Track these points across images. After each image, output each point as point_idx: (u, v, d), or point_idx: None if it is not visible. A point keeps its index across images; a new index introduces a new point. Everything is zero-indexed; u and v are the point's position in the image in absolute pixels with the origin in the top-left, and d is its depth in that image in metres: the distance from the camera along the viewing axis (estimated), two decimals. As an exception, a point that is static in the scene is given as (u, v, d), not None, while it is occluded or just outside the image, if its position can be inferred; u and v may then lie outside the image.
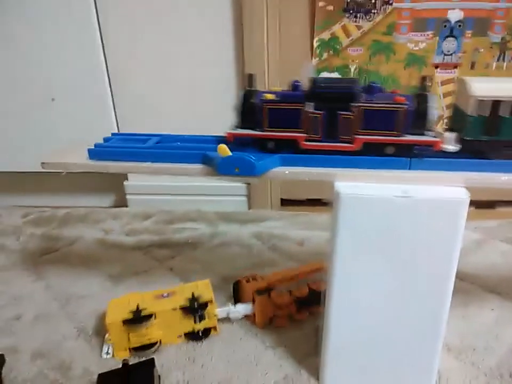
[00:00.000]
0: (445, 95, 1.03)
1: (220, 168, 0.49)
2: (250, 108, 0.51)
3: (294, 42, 1.02)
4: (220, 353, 0.63)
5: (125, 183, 1.18)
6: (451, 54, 1.00)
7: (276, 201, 1.16)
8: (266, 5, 0.95)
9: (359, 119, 0.48)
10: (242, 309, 0.67)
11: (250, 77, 0.53)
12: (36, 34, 1.03)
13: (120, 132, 1.06)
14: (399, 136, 0.48)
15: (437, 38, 0.98)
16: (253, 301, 0.67)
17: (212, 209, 1.13)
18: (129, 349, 0.63)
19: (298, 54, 1.02)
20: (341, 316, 0.51)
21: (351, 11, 0.98)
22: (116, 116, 1.10)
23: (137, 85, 1.07)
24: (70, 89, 1.08)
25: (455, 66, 1.01)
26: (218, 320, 0.66)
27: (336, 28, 1.00)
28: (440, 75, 1.02)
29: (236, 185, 1.14)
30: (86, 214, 1.12)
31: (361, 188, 0.46)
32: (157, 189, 1.17)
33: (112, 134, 0.63)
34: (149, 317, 0.62)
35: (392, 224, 0.46)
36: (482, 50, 0.99)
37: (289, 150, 0.50)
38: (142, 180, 1.16)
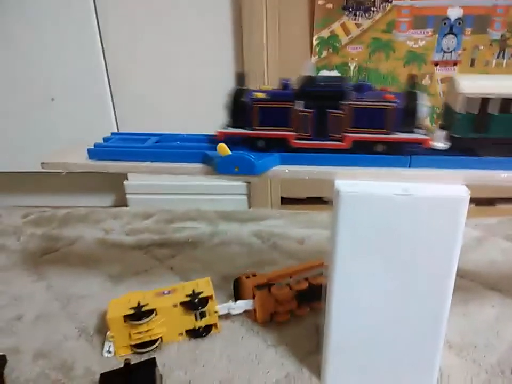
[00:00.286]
0: (445, 92, 1.03)
1: (219, 168, 0.49)
2: (241, 107, 0.51)
3: (293, 42, 1.02)
4: (222, 352, 0.63)
5: (125, 182, 1.18)
6: (451, 52, 1.00)
7: (276, 199, 1.16)
8: (266, 5, 0.95)
9: (348, 117, 0.48)
10: (242, 305, 0.68)
11: (240, 76, 0.53)
12: (35, 34, 1.03)
13: (120, 131, 1.06)
14: (388, 134, 0.48)
15: (437, 35, 0.98)
16: (253, 297, 0.67)
17: (212, 208, 1.13)
18: (130, 346, 0.63)
19: (298, 54, 1.02)
20: (342, 313, 0.51)
21: (351, 9, 0.98)
22: (115, 115, 1.10)
23: (137, 85, 1.07)
24: (70, 89, 1.08)
25: (455, 64, 1.01)
26: (219, 318, 0.67)
27: (336, 26, 0.99)
28: (439, 72, 1.01)
29: (236, 184, 1.14)
30: (86, 214, 1.12)
31: (361, 186, 0.46)
32: (157, 188, 1.17)
33: (112, 134, 0.63)
34: (150, 312, 0.62)
35: (393, 222, 0.46)
36: (482, 47, 0.99)
37: (279, 149, 0.50)
38: (142, 179, 1.16)
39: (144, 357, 0.62)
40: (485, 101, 0.46)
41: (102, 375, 0.56)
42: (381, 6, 0.97)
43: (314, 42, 1.01)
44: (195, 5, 0.98)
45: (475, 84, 0.47)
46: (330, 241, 0.49)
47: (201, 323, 0.65)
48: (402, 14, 0.97)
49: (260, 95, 0.50)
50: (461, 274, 0.76)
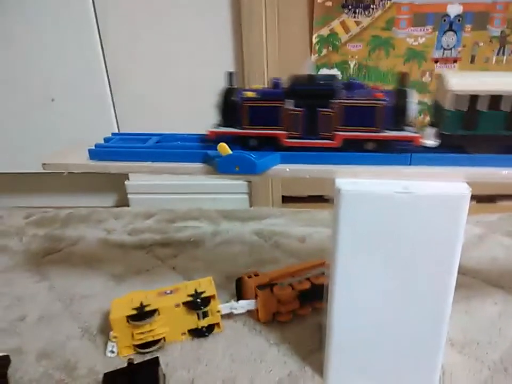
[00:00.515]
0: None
1: (220, 167, 0.49)
2: (231, 106, 0.51)
3: (293, 41, 1.01)
4: (224, 351, 0.63)
5: (126, 182, 1.18)
6: (451, 49, 0.99)
7: (277, 198, 1.16)
8: (265, 4, 0.95)
9: (338, 116, 0.48)
10: (245, 305, 0.68)
11: (230, 75, 0.53)
12: (35, 34, 1.03)
13: (120, 131, 1.06)
14: (378, 132, 0.48)
15: (436, 32, 0.98)
16: (256, 297, 0.67)
17: (214, 207, 1.13)
18: (133, 346, 0.63)
19: (298, 52, 1.02)
20: (344, 311, 0.51)
21: (350, 7, 0.98)
22: (115, 115, 1.10)
23: (137, 84, 1.07)
24: (70, 89, 1.08)
25: (455, 61, 1.01)
26: (222, 318, 0.67)
27: (335, 24, 0.99)
28: (440, 70, 1.01)
29: (237, 183, 1.14)
30: (88, 214, 1.12)
31: (362, 185, 0.46)
32: (158, 188, 1.17)
33: (112, 134, 0.63)
34: (153, 312, 0.62)
35: (393, 220, 0.46)
36: (482, 44, 0.99)
37: (270, 148, 0.50)
38: (143, 179, 1.16)
39: (147, 357, 0.62)
40: (473, 98, 0.46)
41: (105, 374, 0.56)
42: (381, 3, 0.97)
43: (314, 41, 1.01)
44: (195, 4, 0.98)
45: (464, 81, 0.47)
46: (331, 240, 0.49)
47: (204, 323, 0.65)
48: (401, 11, 0.97)
49: (250, 94, 0.50)
50: (462, 271, 0.76)
